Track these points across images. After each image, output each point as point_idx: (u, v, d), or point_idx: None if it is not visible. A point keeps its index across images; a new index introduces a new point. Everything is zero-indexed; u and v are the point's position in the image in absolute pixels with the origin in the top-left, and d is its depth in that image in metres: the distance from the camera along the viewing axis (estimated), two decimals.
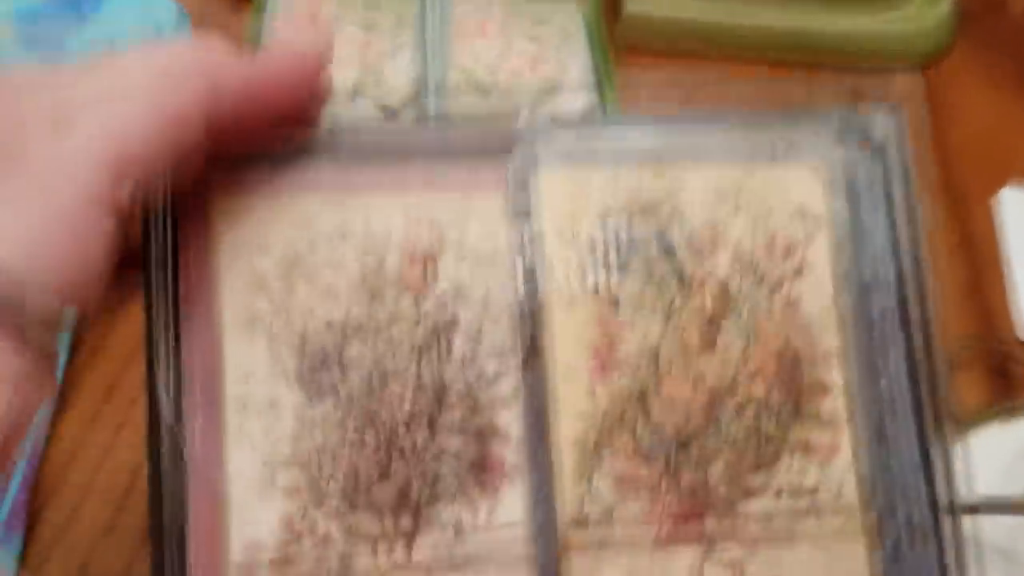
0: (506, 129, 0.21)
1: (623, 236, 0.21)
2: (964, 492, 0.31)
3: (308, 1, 0.44)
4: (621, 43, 0.54)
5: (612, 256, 0.21)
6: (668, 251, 0.21)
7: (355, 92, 0.42)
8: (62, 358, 0.38)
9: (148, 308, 0.20)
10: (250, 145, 0.21)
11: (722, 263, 0.21)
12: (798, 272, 0.21)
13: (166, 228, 0.20)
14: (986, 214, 0.48)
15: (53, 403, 0.37)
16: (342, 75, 0.42)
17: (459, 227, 0.21)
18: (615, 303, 0.21)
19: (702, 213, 0.21)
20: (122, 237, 0.19)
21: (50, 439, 0.37)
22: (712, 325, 0.21)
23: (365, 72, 0.42)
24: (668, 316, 0.21)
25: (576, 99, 0.43)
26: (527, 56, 0.44)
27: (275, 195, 0.21)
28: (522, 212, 0.21)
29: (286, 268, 0.20)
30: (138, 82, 0.19)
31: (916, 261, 0.22)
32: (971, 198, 0.48)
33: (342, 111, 0.40)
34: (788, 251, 0.21)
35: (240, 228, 0.20)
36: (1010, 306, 0.44)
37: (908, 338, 0.22)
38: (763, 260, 0.21)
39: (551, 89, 0.43)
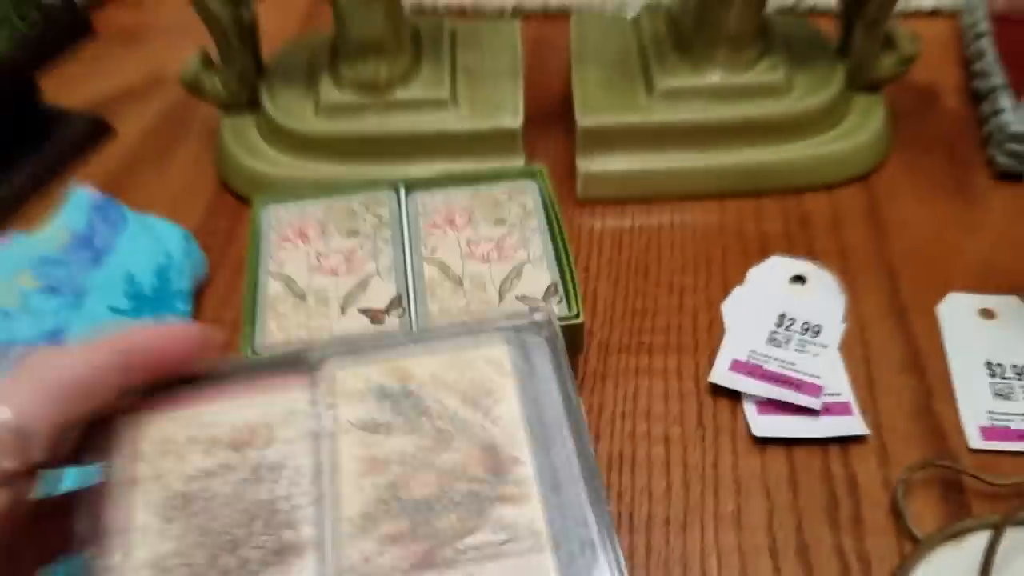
0: (311, 350, 0.33)
1: (388, 393, 0.32)
2: None
3: (298, 219, 0.47)
4: (582, 196, 0.56)
5: (381, 406, 0.32)
6: (416, 400, 0.32)
7: (346, 301, 0.44)
8: None
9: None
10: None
11: (452, 403, 0.32)
12: (498, 401, 0.32)
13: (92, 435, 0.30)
14: (932, 325, 0.49)
15: None
16: (335, 288, 0.45)
17: (277, 413, 0.32)
18: (383, 432, 0.31)
19: (436, 374, 0.33)
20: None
21: None
22: (442, 436, 0.31)
23: (353, 281, 0.45)
24: (416, 435, 0.31)
25: (540, 277, 0.46)
26: (493, 241, 0.47)
27: (149, 411, 0.32)
28: (318, 391, 0.32)
29: (162, 449, 0.31)
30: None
31: (570, 395, 0.32)
32: (916, 311, 0.50)
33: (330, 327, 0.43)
34: (491, 391, 0.32)
35: (127, 432, 0.31)
36: (959, 415, 0.45)
37: (574, 432, 0.31)
38: (476, 397, 0.32)
39: (518, 271, 0.46)
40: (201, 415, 0.31)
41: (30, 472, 0.29)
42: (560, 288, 0.45)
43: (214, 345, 0.32)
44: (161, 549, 0.29)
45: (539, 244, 0.47)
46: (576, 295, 0.44)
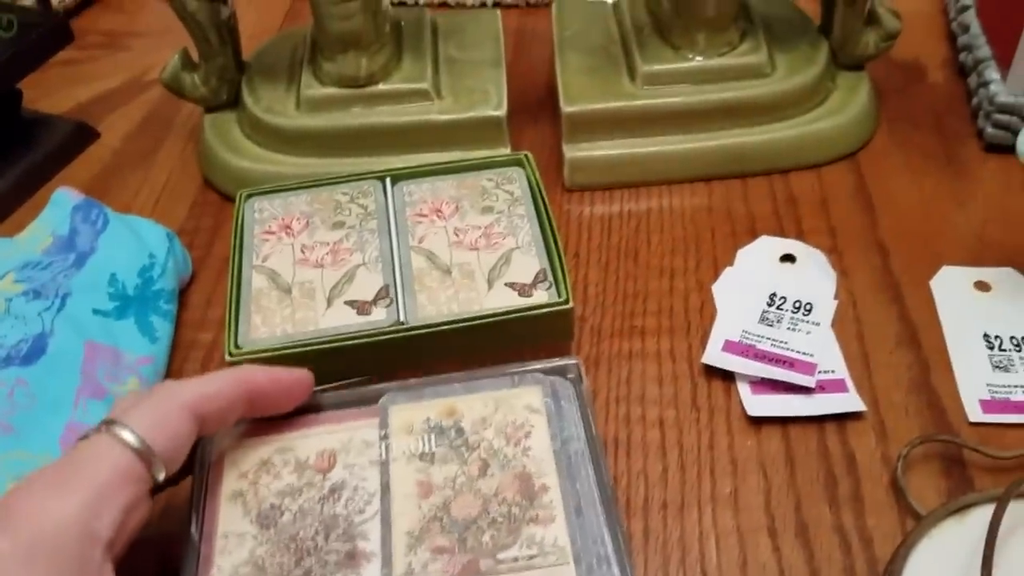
0: (378, 391, 0.38)
1: (439, 428, 0.37)
2: None
3: (282, 212, 0.46)
4: (569, 184, 0.55)
5: (431, 437, 0.36)
6: (460, 432, 0.37)
7: (332, 294, 0.43)
8: None
9: (192, 491, 0.35)
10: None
11: (489, 436, 0.36)
12: (528, 434, 0.36)
13: (203, 454, 0.36)
14: (926, 300, 0.47)
15: None
16: (320, 281, 0.43)
17: (348, 439, 0.37)
18: (432, 460, 0.36)
19: (480, 412, 0.37)
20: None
21: None
22: (484, 465, 0.35)
23: (339, 273, 0.43)
24: (461, 463, 0.36)
25: (529, 264, 0.44)
26: (481, 229, 0.45)
27: (249, 437, 0.37)
28: (383, 426, 0.37)
29: (260, 468, 0.36)
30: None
31: (592, 432, 0.36)
32: (909, 286, 0.48)
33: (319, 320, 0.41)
34: (523, 426, 0.37)
35: (232, 453, 0.37)
36: (958, 389, 0.43)
37: (595, 464, 0.35)
38: (510, 431, 0.36)
39: (506, 259, 0.44)
40: (292, 441, 0.37)
41: (152, 489, 0.32)
42: (549, 274, 0.44)
43: (310, 387, 0.37)
44: (257, 551, 0.33)
45: (527, 231, 0.46)
46: (565, 281, 0.43)
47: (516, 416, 0.37)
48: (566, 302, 0.42)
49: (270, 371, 0.36)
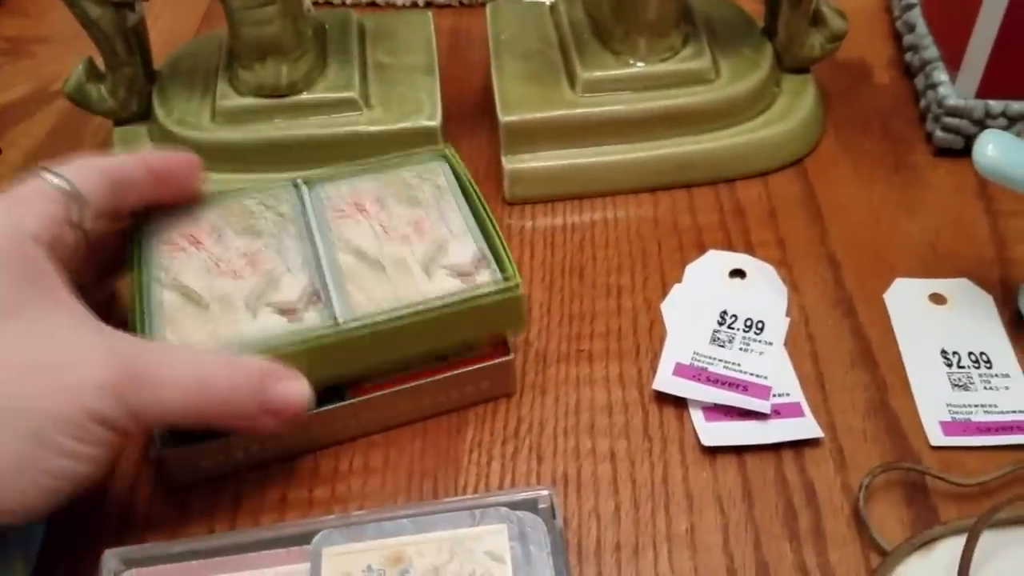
0: (309, 531, 0.33)
1: None
2: None
3: (188, 227, 0.41)
4: (510, 197, 0.52)
5: None
6: None
7: (254, 301, 0.38)
8: None
9: None
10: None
11: None
12: None
13: None
14: (880, 314, 0.45)
15: None
16: (237, 289, 0.39)
17: None
18: None
19: (431, 560, 0.32)
20: None
21: None
22: None
23: (258, 279, 0.39)
24: None
25: (465, 248, 0.41)
26: (409, 221, 0.41)
27: None
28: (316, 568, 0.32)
29: None
30: None
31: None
32: (862, 300, 0.46)
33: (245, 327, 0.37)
34: None
35: None
36: (918, 411, 0.42)
37: None
38: None
39: (440, 246, 0.40)
40: None
41: (82, 230, 0.36)
42: (488, 254, 0.40)
43: (199, 165, 0.41)
44: None
45: (459, 220, 0.42)
46: (509, 259, 0.39)
47: (475, 567, 0.32)
48: (514, 283, 0.39)
49: (161, 153, 0.43)
